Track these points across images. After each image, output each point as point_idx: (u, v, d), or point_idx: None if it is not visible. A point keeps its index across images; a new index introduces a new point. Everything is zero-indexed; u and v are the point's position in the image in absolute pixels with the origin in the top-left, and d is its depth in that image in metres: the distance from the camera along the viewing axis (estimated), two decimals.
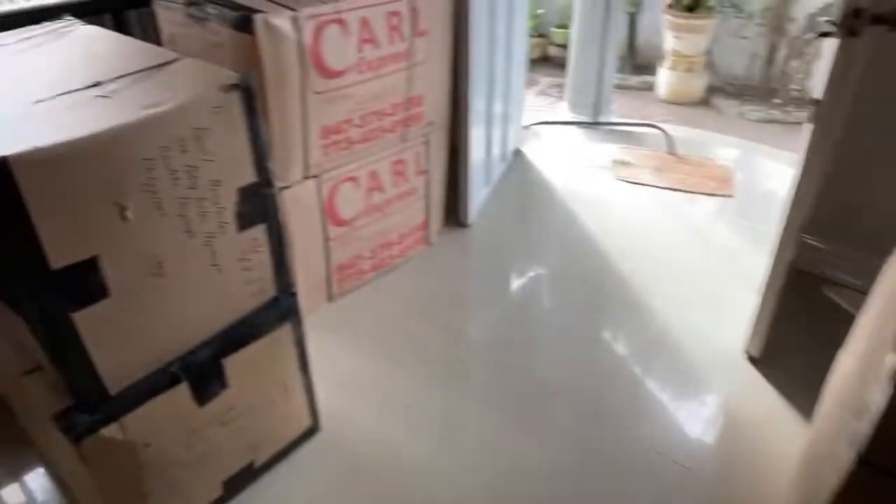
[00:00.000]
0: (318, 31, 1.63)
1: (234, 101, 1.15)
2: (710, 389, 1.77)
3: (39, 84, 1.16)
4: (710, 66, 4.00)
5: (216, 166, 1.15)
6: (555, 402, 1.72)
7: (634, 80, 4.19)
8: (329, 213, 1.90)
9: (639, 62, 4.30)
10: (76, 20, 1.50)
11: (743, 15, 3.82)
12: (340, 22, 1.67)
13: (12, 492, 1.56)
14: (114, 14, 2.35)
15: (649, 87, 4.13)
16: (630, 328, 1.99)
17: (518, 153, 2.93)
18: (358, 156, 1.90)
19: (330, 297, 2.02)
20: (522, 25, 2.69)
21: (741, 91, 3.96)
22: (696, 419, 1.70)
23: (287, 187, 1.75)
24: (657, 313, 2.02)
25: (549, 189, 2.70)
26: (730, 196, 2.65)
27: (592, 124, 3.21)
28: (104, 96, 1.12)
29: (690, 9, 3.74)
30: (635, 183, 2.74)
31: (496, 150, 2.62)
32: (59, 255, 0.99)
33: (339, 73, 1.72)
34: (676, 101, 3.96)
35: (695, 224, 2.49)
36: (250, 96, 1.17)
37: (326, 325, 1.92)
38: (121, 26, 2.38)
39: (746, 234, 2.40)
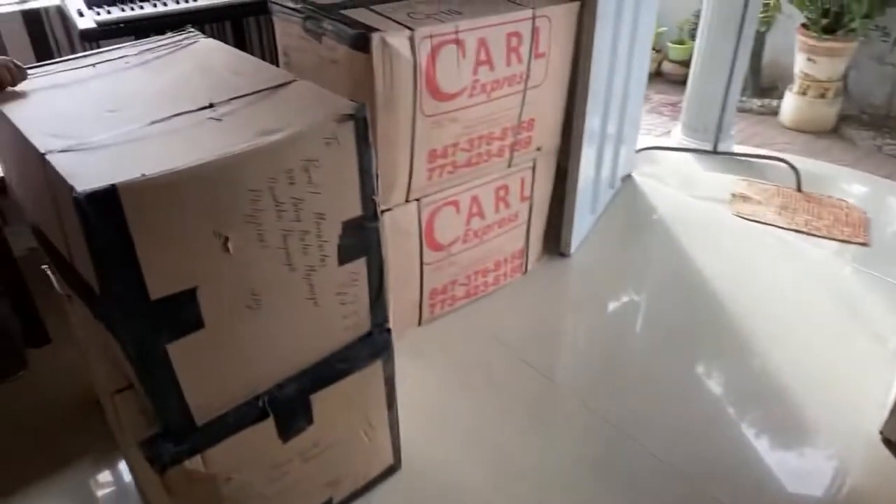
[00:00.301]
0: (434, 51, 1.56)
1: (348, 133, 1.09)
2: (834, 469, 1.57)
3: (157, 102, 1.15)
4: (844, 92, 3.66)
5: (322, 199, 1.09)
6: (645, 458, 1.57)
7: (756, 102, 3.90)
8: (427, 237, 1.83)
9: (762, 84, 4.01)
10: (198, 33, 1.50)
11: (889, 39, 3.46)
12: (458, 43, 1.59)
13: (103, 476, 1.59)
14: (233, 21, 2.39)
15: (772, 112, 3.83)
16: (737, 385, 1.81)
17: (628, 179, 2.77)
18: (461, 180, 1.82)
19: (420, 321, 1.96)
20: (646, 42, 2.52)
21: (879, 122, 3.60)
22: (813, 500, 1.51)
23: (388, 210, 1.70)
24: (771, 371, 1.83)
25: (659, 221, 2.53)
26: (864, 244, 2.38)
27: (711, 153, 2.99)
28: (217, 119, 1.09)
29: (829, 30, 3.42)
30: (755, 221, 2.52)
31: (605, 175, 2.48)
32: (159, 285, 0.96)
33: (450, 96, 1.65)
34: (803, 129, 3.64)
35: (821, 274, 2.25)
36: (364, 128, 1.10)
37: (413, 351, 1.86)
38: (239, 33, 2.42)
39: (883, 292, 2.14)
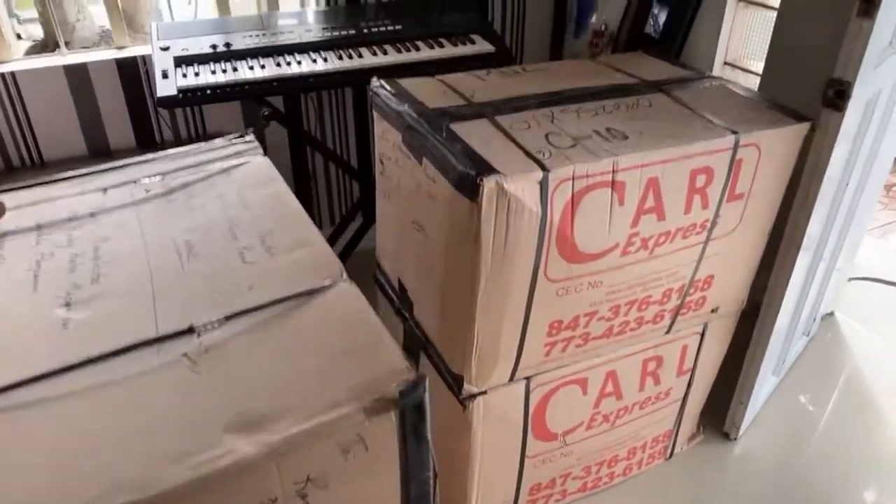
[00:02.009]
0: (577, 198, 1.06)
1: (385, 430, 0.63)
2: None
3: (135, 300, 0.77)
4: None
5: None
6: None
7: None
8: (535, 426, 1.33)
9: None
10: (256, 144, 1.11)
11: None
12: (614, 185, 1.08)
13: None
14: (356, 88, 2.02)
15: None
16: None
17: (829, 319, 2.07)
18: (594, 353, 1.31)
19: None
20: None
21: None
22: None
23: (482, 393, 1.22)
24: None
25: (867, 393, 1.83)
26: None
27: None
28: (190, 363, 0.68)
29: None
30: None
31: (804, 318, 1.82)
32: None
33: (592, 257, 1.14)
34: None
35: None
36: (418, 417, 0.64)
37: None
38: (361, 101, 2.05)
39: None
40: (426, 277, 1.25)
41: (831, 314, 2.09)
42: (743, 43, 2.03)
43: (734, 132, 1.16)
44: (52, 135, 1.80)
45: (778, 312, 1.51)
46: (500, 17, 2.24)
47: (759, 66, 1.96)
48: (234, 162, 1.06)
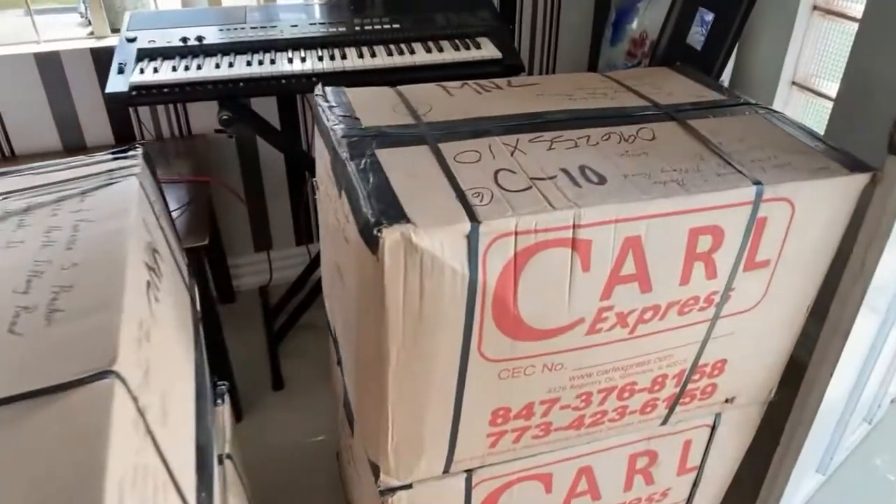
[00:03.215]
0: (521, 259, 0.80)
1: None
2: None
3: None
4: None
5: None
6: None
7: None
8: None
9: None
10: (138, 161, 0.91)
11: None
12: (575, 245, 0.81)
13: None
14: None
15: None
16: None
17: None
18: (560, 445, 1.04)
19: None
20: None
21: None
22: None
23: (405, 487, 0.98)
24: None
25: None
26: None
27: None
28: None
29: None
30: None
31: (864, 402, 1.46)
32: None
33: (546, 333, 0.87)
34: None
35: None
36: None
37: None
38: None
39: None
40: (346, 336, 1.02)
41: None
42: (816, 60, 1.68)
43: (757, 182, 0.86)
44: (24, 127, 1.69)
45: (824, 393, 1.18)
46: (529, 19, 1.97)
47: (833, 89, 1.61)
48: (99, 182, 0.87)
